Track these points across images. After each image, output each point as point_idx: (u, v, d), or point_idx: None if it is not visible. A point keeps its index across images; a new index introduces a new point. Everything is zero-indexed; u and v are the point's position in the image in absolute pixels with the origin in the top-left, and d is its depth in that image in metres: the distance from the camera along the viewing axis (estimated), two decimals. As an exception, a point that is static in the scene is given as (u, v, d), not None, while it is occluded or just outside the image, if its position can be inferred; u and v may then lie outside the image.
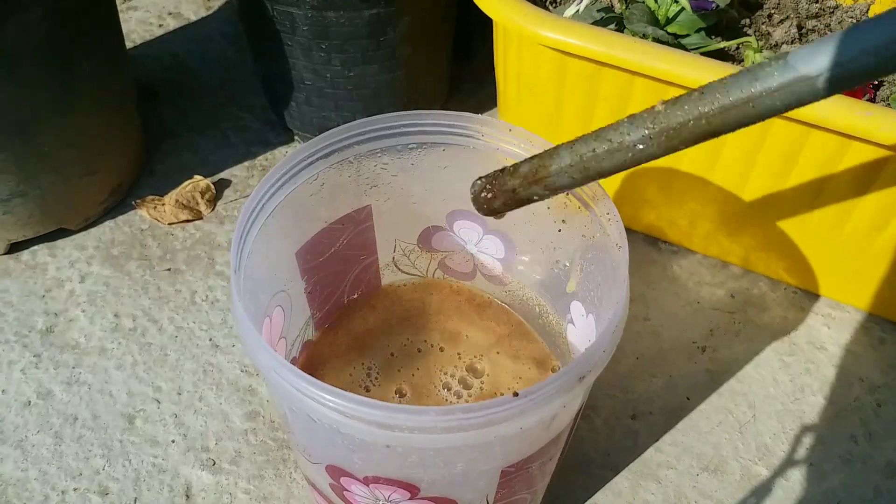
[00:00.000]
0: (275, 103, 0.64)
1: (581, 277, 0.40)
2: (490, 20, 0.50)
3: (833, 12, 0.51)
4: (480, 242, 0.45)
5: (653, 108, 0.27)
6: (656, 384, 0.51)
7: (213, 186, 0.62)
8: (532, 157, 0.31)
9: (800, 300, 0.56)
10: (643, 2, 0.50)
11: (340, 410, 0.28)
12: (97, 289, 0.56)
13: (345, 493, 0.35)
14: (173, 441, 0.49)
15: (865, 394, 0.51)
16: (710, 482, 0.47)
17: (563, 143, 0.30)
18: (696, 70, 0.44)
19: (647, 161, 0.28)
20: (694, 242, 0.58)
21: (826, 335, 0.54)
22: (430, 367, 0.44)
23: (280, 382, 0.29)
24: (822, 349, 0.53)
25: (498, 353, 0.45)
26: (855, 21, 0.50)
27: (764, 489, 0.47)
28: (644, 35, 0.48)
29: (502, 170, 0.33)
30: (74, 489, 0.47)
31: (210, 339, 0.53)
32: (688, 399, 0.51)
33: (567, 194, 0.38)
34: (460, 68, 0.70)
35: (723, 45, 0.49)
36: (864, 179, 0.46)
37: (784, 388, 0.51)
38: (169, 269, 0.57)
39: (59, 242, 0.59)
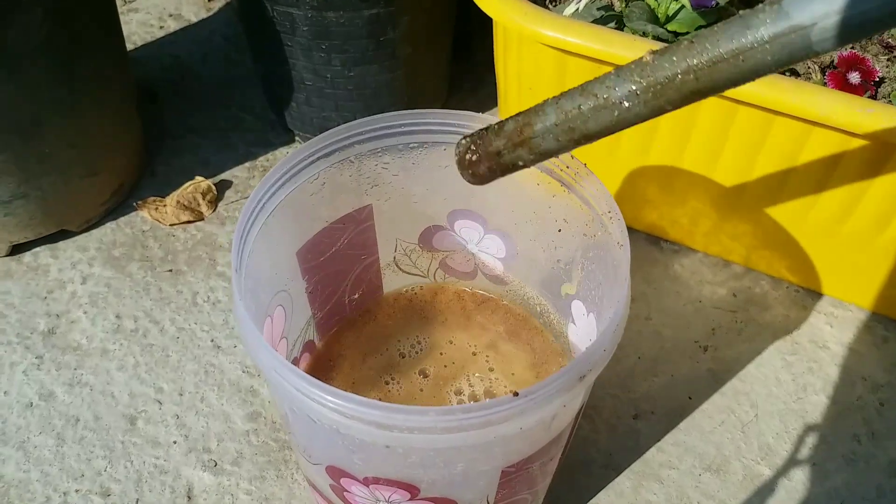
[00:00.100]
0: (275, 104, 0.64)
1: (582, 276, 0.40)
2: (490, 19, 0.50)
3: (834, 10, 0.51)
4: (481, 242, 0.45)
5: (641, 58, 0.26)
6: (658, 383, 0.51)
7: (214, 187, 0.62)
8: (518, 114, 0.30)
9: (802, 299, 0.56)
10: (643, 0, 0.50)
11: (340, 411, 0.28)
12: (99, 290, 0.56)
13: (345, 493, 0.35)
14: (175, 442, 0.49)
15: (868, 393, 0.51)
16: (712, 482, 0.47)
17: (548, 99, 0.29)
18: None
19: (634, 122, 0.27)
20: (695, 241, 0.58)
21: (829, 334, 0.54)
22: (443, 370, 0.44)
23: (280, 382, 0.29)
24: (825, 348, 0.53)
25: (501, 352, 0.45)
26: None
27: (767, 489, 0.47)
28: (644, 33, 0.48)
29: (487, 127, 0.31)
30: (76, 490, 0.47)
31: (212, 340, 0.53)
32: (690, 398, 0.51)
33: (568, 192, 0.38)
34: (460, 68, 0.70)
35: (723, 43, 0.49)
36: (867, 177, 0.46)
37: (786, 388, 0.51)
38: (170, 271, 0.57)
39: (61, 244, 0.59)
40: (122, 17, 0.74)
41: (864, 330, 0.54)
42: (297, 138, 0.66)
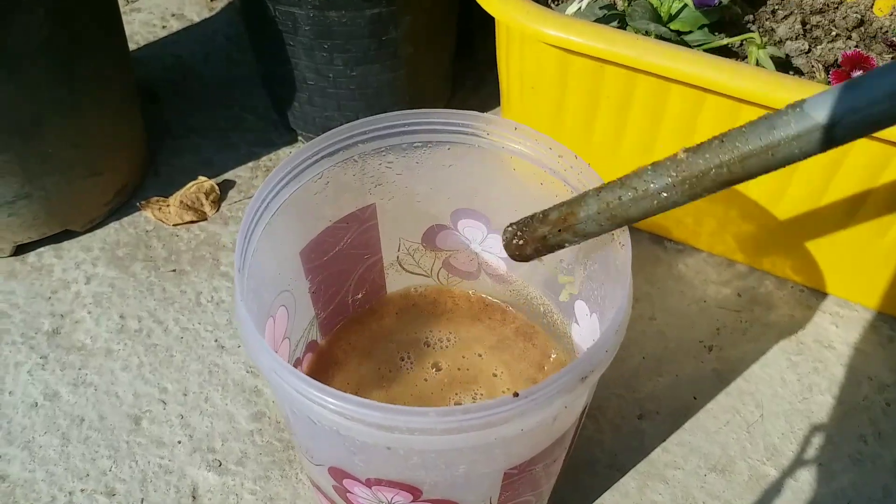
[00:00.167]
0: (277, 103, 0.64)
1: (585, 276, 0.40)
2: (492, 18, 0.50)
3: (837, 7, 0.50)
4: (485, 241, 0.45)
5: (675, 155, 0.28)
6: (663, 384, 0.51)
7: (217, 187, 0.62)
8: (561, 204, 0.33)
9: (807, 298, 0.55)
10: (647, -2, 0.50)
11: (340, 412, 0.28)
12: (103, 290, 0.56)
13: (348, 494, 0.35)
14: (179, 442, 0.49)
15: (874, 393, 0.51)
16: (717, 482, 0.47)
17: (590, 190, 0.32)
18: (698, 67, 0.44)
19: (672, 207, 0.29)
20: (700, 241, 0.57)
21: (834, 334, 0.54)
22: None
23: (281, 384, 0.29)
24: (831, 348, 0.53)
25: (505, 352, 0.45)
26: (859, 17, 0.49)
27: (773, 490, 0.47)
28: (646, 32, 0.48)
29: (532, 216, 0.34)
30: (81, 490, 0.47)
31: (216, 340, 0.53)
32: (695, 399, 0.51)
33: (571, 192, 0.38)
34: (462, 66, 0.70)
35: (726, 41, 0.49)
36: (871, 176, 0.46)
37: (792, 388, 0.51)
38: (174, 271, 0.57)
39: (65, 244, 0.59)
40: (124, 17, 0.74)
41: (869, 330, 0.54)
42: (299, 138, 0.66)
